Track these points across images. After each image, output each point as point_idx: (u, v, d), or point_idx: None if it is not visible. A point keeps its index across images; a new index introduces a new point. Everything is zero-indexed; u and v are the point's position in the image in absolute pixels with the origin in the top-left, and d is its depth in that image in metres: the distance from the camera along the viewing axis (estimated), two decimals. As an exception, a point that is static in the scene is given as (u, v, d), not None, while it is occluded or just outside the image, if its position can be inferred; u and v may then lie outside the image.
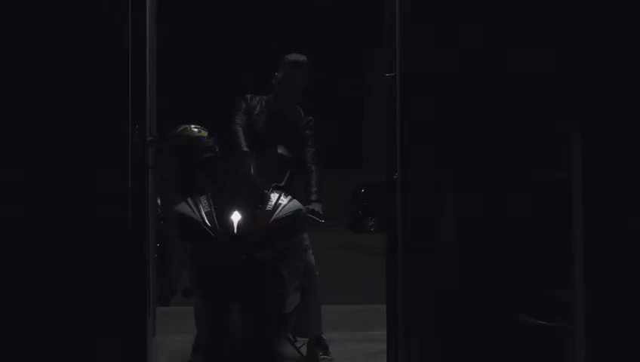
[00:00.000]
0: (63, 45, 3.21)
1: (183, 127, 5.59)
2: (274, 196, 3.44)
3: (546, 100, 3.13)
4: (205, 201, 3.40)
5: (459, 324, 3.24)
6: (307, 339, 3.96)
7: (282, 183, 3.56)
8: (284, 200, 3.44)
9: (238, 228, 3.27)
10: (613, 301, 2.33)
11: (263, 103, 4.03)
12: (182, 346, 4.09)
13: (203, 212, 3.35)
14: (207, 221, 3.31)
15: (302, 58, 4.01)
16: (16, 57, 3.19)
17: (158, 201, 5.76)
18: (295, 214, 3.43)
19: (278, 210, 3.38)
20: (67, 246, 3.18)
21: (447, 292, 3.25)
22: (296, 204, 3.47)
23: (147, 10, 3.50)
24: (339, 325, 4.89)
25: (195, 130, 5.56)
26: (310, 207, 3.74)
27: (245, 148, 3.68)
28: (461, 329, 3.24)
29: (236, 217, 3.30)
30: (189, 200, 3.44)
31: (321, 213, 3.76)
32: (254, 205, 3.40)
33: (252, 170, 3.62)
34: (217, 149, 5.08)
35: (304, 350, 3.95)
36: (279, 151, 3.69)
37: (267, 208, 3.38)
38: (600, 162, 2.32)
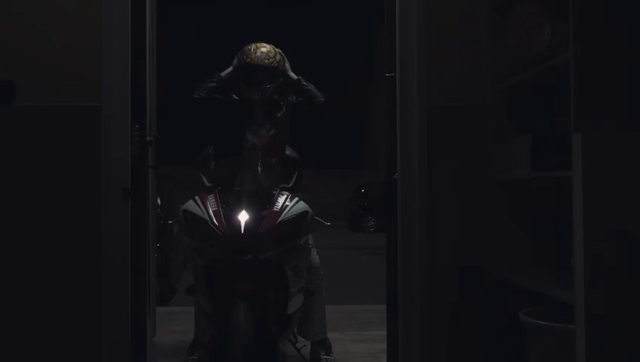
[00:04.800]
0: (63, 45, 3.22)
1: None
2: (281, 197, 3.45)
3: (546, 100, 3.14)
4: (213, 200, 3.40)
5: (458, 323, 3.25)
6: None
7: (290, 185, 3.56)
8: (291, 202, 3.44)
9: (245, 228, 3.27)
10: (613, 301, 2.33)
11: None
12: (182, 346, 4.09)
13: (211, 210, 3.35)
14: (214, 220, 3.31)
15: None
16: (15, 59, 3.20)
17: (158, 201, 5.76)
18: (301, 216, 3.43)
19: (285, 212, 3.38)
20: (67, 246, 3.19)
21: (446, 291, 3.26)
22: (302, 206, 3.48)
23: (147, 10, 3.50)
24: (339, 325, 4.90)
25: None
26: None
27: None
28: (460, 328, 3.24)
29: (243, 217, 3.30)
30: (197, 198, 3.45)
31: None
32: (262, 206, 3.41)
33: (259, 170, 3.62)
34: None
35: (306, 350, 3.95)
36: (287, 152, 3.68)
37: (274, 209, 3.38)
38: (600, 162, 2.32)
